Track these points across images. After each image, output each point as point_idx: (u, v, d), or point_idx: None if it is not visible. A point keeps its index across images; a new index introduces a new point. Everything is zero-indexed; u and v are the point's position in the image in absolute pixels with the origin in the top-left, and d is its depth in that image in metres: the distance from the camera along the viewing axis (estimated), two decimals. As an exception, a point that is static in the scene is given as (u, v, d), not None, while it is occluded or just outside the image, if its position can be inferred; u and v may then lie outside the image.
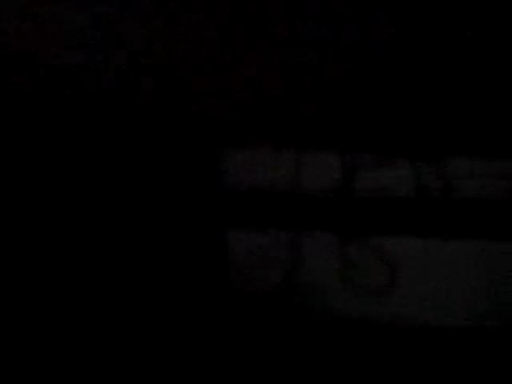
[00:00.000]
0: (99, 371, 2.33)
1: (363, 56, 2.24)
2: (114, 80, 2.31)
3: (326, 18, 2.24)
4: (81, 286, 2.35)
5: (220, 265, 2.38)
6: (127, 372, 2.35)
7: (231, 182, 2.38)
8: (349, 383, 2.36)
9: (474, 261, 2.30)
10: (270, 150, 2.34)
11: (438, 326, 2.34)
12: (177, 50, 2.27)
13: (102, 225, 2.37)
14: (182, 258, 2.39)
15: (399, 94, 2.25)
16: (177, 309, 2.37)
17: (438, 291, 2.33)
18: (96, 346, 2.34)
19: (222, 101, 2.29)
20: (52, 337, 2.30)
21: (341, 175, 2.33)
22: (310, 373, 2.40)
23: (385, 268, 2.35)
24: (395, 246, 2.34)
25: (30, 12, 2.29)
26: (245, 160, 2.35)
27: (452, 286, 2.32)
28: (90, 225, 2.36)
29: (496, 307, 2.30)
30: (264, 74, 2.27)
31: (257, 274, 2.39)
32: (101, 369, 2.33)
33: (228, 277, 2.39)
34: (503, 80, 2.22)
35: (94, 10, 2.27)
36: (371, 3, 2.21)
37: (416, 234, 2.33)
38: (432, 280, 2.33)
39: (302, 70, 2.26)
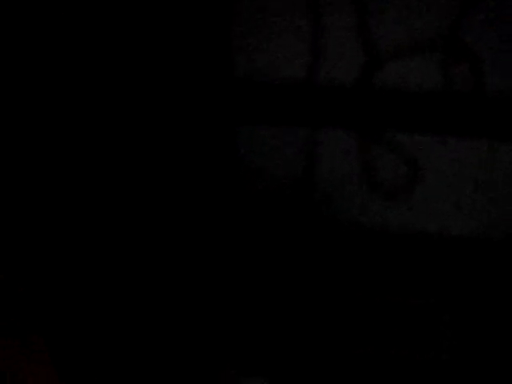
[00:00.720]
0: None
1: None
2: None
3: None
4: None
5: (231, 161, 2.22)
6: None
7: (242, 72, 2.17)
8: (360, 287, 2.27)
9: (489, 164, 2.16)
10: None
11: (454, 235, 2.24)
12: None
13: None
14: (194, 154, 2.25)
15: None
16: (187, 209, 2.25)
17: (452, 196, 2.20)
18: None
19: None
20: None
21: (362, 66, 2.13)
22: (318, 269, 2.28)
23: (404, 168, 2.21)
24: (415, 144, 2.18)
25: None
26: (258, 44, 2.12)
27: (464, 191, 2.20)
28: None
29: (504, 218, 2.19)
30: None
31: (270, 171, 2.25)
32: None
33: (240, 172, 2.23)
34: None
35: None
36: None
37: (437, 131, 2.16)
38: (448, 182, 2.20)
39: None
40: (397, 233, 2.25)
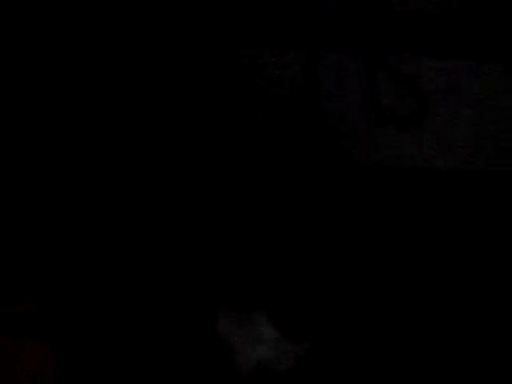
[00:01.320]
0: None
1: None
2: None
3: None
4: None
5: (231, 83, 2.17)
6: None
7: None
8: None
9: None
10: None
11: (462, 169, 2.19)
12: None
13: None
14: (193, 78, 2.21)
15: None
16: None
17: (461, 128, 2.15)
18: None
19: None
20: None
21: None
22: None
23: (412, 99, 2.16)
24: (421, 70, 2.10)
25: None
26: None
27: (475, 122, 2.14)
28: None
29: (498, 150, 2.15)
30: None
31: (272, 99, 2.18)
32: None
33: (241, 100, 2.19)
34: None
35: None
36: None
37: (445, 55, 2.09)
38: (457, 114, 2.15)
39: None
40: (404, 167, 2.23)
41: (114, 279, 2.34)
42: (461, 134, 2.21)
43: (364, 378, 2.30)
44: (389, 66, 2.13)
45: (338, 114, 2.18)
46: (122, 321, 2.34)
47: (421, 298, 2.31)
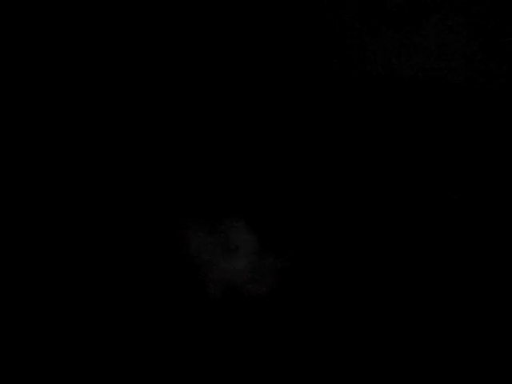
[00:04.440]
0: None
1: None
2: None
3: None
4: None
5: None
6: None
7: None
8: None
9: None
10: None
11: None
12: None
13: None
14: None
15: None
16: None
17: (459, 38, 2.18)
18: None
19: None
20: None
21: None
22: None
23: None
24: None
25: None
26: None
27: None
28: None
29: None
30: None
31: None
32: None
33: None
34: None
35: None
36: None
37: None
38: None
39: None
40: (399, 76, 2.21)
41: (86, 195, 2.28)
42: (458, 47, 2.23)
43: (348, 305, 2.10)
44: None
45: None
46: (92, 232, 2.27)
47: (412, 216, 2.24)
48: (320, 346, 2.15)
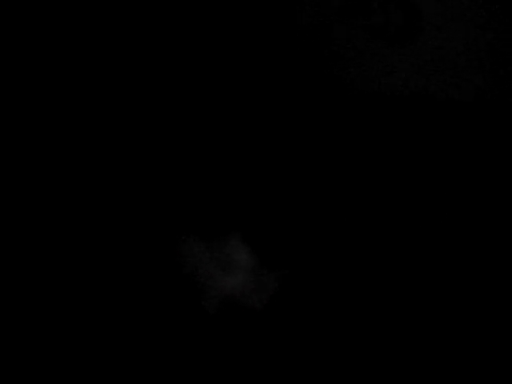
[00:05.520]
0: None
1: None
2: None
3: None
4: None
5: None
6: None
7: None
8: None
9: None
10: None
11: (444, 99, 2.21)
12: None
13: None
14: None
15: None
16: None
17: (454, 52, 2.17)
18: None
19: None
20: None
21: None
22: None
23: (401, 14, 2.16)
24: None
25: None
26: None
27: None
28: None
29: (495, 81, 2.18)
30: None
31: None
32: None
33: None
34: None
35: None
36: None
37: None
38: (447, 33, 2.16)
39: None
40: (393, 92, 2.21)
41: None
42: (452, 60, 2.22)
43: (347, 313, 2.11)
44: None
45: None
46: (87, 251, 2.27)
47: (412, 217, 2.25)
48: (318, 358, 2.17)
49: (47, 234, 2.26)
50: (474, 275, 2.21)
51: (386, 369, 2.17)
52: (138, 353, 2.18)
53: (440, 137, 2.21)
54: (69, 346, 2.21)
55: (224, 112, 2.24)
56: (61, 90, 2.34)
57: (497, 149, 2.21)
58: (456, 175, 2.23)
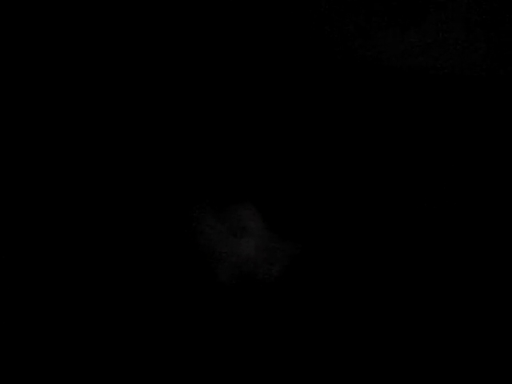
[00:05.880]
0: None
1: None
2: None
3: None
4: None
5: None
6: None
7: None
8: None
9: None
10: None
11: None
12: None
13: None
14: None
15: None
16: None
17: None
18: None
19: None
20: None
21: None
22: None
23: None
24: None
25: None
26: None
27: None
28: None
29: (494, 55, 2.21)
30: None
31: None
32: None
33: None
34: None
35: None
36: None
37: None
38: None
39: None
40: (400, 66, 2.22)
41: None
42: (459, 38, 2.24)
43: (358, 289, 2.13)
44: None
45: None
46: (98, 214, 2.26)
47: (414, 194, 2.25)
48: (328, 330, 2.17)
49: (54, 208, 2.29)
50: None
51: (389, 341, 2.18)
52: (151, 320, 2.20)
53: (442, 108, 2.23)
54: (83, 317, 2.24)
55: (238, 89, 2.27)
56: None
57: (495, 117, 2.23)
58: (457, 143, 2.25)
